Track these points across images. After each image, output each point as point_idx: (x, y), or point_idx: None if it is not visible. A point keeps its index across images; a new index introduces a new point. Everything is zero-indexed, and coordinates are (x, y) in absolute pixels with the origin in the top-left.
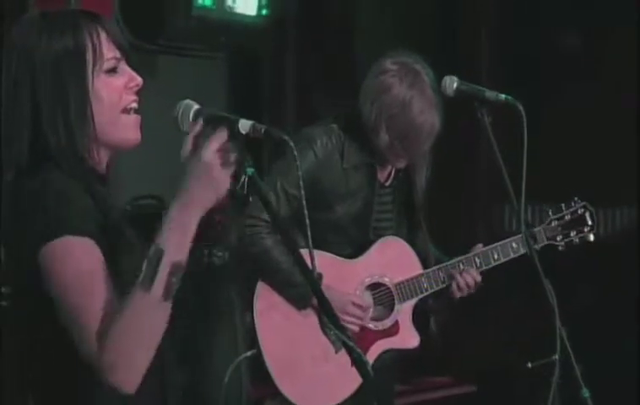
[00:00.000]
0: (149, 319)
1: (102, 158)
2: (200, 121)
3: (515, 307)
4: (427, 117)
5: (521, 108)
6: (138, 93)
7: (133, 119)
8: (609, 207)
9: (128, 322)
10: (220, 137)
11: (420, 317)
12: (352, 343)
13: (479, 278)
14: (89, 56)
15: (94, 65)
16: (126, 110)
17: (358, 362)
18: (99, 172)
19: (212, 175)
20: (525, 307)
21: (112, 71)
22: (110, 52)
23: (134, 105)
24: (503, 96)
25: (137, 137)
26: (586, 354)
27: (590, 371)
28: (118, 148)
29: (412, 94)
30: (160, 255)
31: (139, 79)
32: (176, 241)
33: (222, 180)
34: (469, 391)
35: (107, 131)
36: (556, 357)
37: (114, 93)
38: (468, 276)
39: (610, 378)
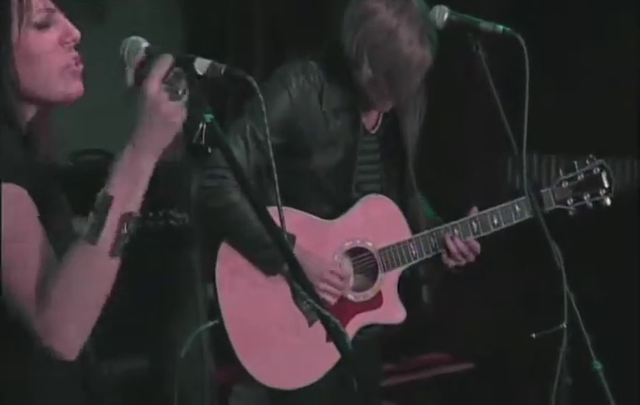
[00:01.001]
0: (94, 274)
1: (32, 115)
2: (143, 54)
3: (517, 276)
4: (416, 49)
5: (522, 40)
6: (77, 48)
7: (72, 73)
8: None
9: (71, 278)
10: (163, 64)
11: (410, 287)
12: (328, 313)
13: (476, 247)
14: (14, 7)
15: (20, 18)
16: (62, 71)
17: (335, 333)
18: (28, 129)
19: (160, 110)
20: (529, 276)
21: (44, 25)
22: (40, 2)
23: (74, 66)
24: (501, 27)
25: (78, 90)
26: (597, 323)
27: (602, 341)
28: (57, 106)
29: (399, 21)
30: (108, 203)
31: (76, 33)
32: (126, 189)
33: (173, 115)
34: (467, 368)
35: (42, 92)
36: (564, 325)
37: (46, 50)
38: (461, 243)
39: (622, 349)
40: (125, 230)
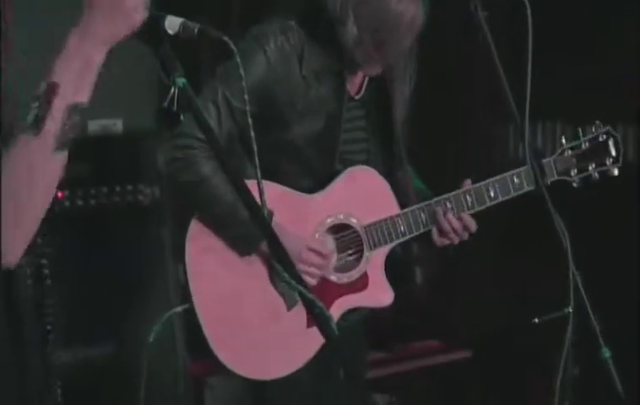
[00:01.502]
0: (37, 170)
1: None
2: None
3: (519, 255)
4: (407, 6)
5: (525, 1)
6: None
7: None
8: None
9: (10, 174)
10: None
11: (401, 268)
12: (312, 296)
13: (471, 224)
14: None
15: None
16: None
17: (320, 318)
18: None
19: (125, 1)
20: (532, 255)
21: None
22: None
23: None
24: None
25: None
26: (604, 307)
27: (611, 327)
28: None
29: None
30: (51, 90)
31: None
32: (72, 76)
33: (135, 10)
34: (464, 357)
35: None
36: (570, 309)
37: None
38: (455, 219)
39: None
40: (71, 122)
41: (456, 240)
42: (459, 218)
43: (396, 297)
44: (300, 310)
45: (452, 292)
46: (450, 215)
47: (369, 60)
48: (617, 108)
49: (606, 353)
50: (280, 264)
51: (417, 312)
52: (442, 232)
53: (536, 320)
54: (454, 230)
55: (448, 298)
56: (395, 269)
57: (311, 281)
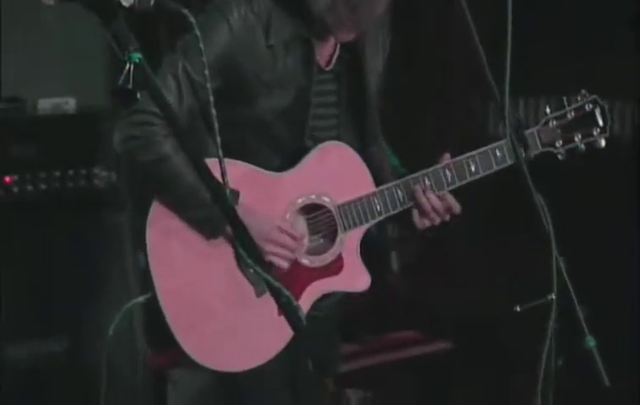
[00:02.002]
0: None
1: None
2: None
3: (501, 240)
4: None
5: None
6: None
7: None
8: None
9: None
10: None
11: (376, 253)
12: (279, 284)
13: (454, 206)
14: None
15: None
16: None
17: (287, 308)
18: None
19: None
20: (515, 239)
21: None
22: None
23: None
24: None
25: None
26: (590, 293)
27: (597, 314)
28: None
29: None
30: None
31: None
32: None
33: None
34: (444, 348)
35: None
36: (553, 296)
37: None
38: (435, 197)
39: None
40: None
41: (437, 221)
42: (441, 198)
43: (372, 284)
44: (269, 298)
45: (431, 278)
46: (430, 193)
47: (340, 25)
48: (612, 84)
49: (591, 341)
50: (245, 249)
51: (393, 300)
52: (422, 212)
53: (518, 308)
54: (435, 210)
55: (427, 285)
56: (370, 253)
57: (283, 264)
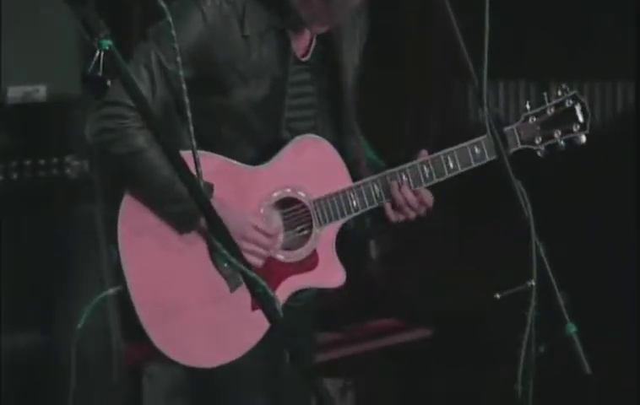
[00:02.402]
0: None
1: None
2: None
3: (481, 227)
4: None
5: None
6: None
7: None
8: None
9: None
10: None
11: (355, 242)
12: (254, 275)
13: (428, 198)
14: None
15: None
16: None
17: (263, 299)
18: None
19: None
20: (495, 225)
21: None
22: None
23: None
24: None
25: None
26: (573, 280)
27: (578, 300)
28: None
29: None
30: None
31: None
32: None
33: None
34: (423, 335)
35: None
36: (532, 283)
37: None
38: (410, 193)
39: (603, 309)
40: None
41: (412, 215)
42: (415, 192)
43: (350, 273)
44: (244, 292)
45: (411, 266)
46: (405, 188)
47: (314, 19)
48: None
49: (571, 328)
50: (220, 241)
51: (372, 288)
52: (396, 207)
53: (498, 295)
54: (409, 205)
55: (406, 272)
56: (348, 243)
57: (257, 262)
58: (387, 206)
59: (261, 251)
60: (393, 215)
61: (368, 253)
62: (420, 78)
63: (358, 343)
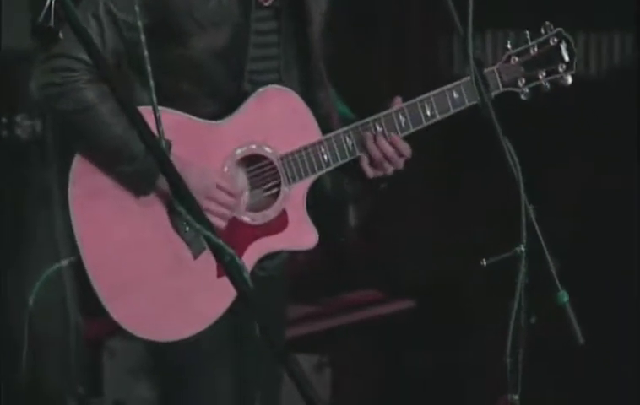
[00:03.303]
0: None
1: None
2: None
3: (466, 187)
4: None
5: None
6: None
7: None
8: (594, 32)
9: None
10: None
11: (332, 206)
12: (220, 240)
13: (405, 148)
14: None
15: None
16: None
17: (230, 267)
18: None
19: None
20: (480, 186)
21: None
22: None
23: None
24: None
25: None
26: (566, 246)
27: (571, 268)
28: None
29: None
30: None
31: None
32: None
33: None
34: (406, 307)
35: None
36: (522, 248)
37: None
38: (386, 143)
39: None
40: None
41: (390, 170)
42: (392, 143)
43: (326, 241)
44: (208, 258)
45: (392, 234)
46: (381, 139)
47: None
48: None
49: (564, 297)
50: (182, 204)
51: (351, 258)
52: (373, 161)
53: (484, 262)
54: (387, 157)
55: (387, 241)
56: (325, 208)
57: (220, 223)
58: (364, 160)
59: (225, 211)
60: (370, 171)
61: (346, 219)
62: (400, 28)
63: (335, 317)
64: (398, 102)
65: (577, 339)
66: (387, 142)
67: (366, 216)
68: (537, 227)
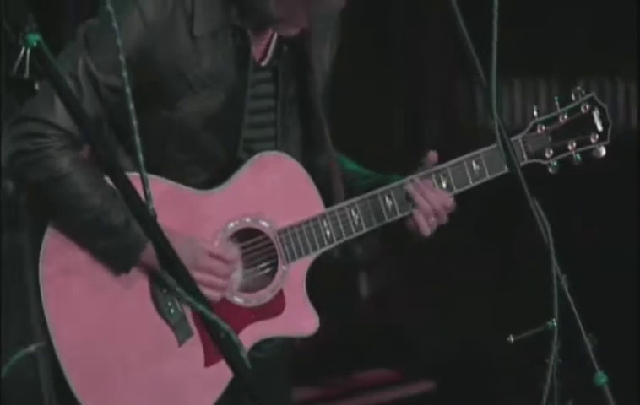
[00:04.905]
0: None
1: None
2: None
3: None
4: None
5: None
6: None
7: None
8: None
9: None
10: None
11: (342, 276)
12: (214, 316)
13: (446, 198)
14: None
15: None
16: None
17: (226, 345)
18: None
19: None
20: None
21: None
22: None
23: None
24: None
25: None
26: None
27: (607, 343)
28: None
29: None
30: None
31: None
32: None
33: None
34: (425, 389)
35: None
36: (554, 323)
37: None
38: (433, 194)
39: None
40: None
41: (435, 225)
42: (435, 193)
43: (335, 313)
44: (195, 344)
45: (410, 306)
46: (428, 189)
47: (289, 19)
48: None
49: (601, 378)
50: (172, 274)
51: (362, 333)
52: (423, 212)
53: (512, 338)
54: (435, 210)
55: (405, 313)
56: (333, 277)
57: (213, 295)
58: (418, 215)
59: (219, 281)
60: (424, 227)
61: (357, 290)
62: (418, 79)
63: (345, 400)
64: (432, 157)
65: None
66: (435, 192)
67: (380, 285)
68: (570, 298)
